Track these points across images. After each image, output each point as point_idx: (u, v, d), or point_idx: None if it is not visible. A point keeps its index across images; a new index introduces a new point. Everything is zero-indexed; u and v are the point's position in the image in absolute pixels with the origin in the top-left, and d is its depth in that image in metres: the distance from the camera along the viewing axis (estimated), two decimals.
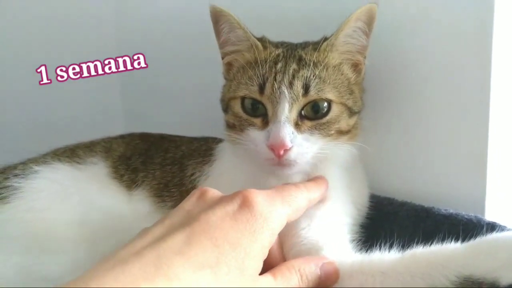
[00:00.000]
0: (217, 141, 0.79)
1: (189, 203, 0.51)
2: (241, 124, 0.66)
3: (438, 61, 0.71)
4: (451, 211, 0.68)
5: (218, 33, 0.70)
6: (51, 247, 0.66)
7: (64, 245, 0.67)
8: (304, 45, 0.69)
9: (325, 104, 0.63)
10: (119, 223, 0.68)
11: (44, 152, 0.80)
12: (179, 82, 1.12)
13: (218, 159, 0.74)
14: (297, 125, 0.62)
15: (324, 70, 0.65)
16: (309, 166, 0.65)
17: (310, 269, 0.53)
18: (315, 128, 0.63)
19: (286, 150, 0.59)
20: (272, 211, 0.50)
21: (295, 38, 0.73)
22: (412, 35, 0.74)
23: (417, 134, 0.76)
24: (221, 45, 0.71)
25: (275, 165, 0.61)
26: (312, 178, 0.64)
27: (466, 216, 0.65)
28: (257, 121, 0.64)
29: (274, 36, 0.72)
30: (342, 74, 0.67)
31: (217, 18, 0.69)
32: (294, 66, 0.64)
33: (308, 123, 0.63)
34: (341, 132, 0.66)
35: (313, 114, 0.63)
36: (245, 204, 0.48)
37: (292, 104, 0.62)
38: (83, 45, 1.18)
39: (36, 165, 0.73)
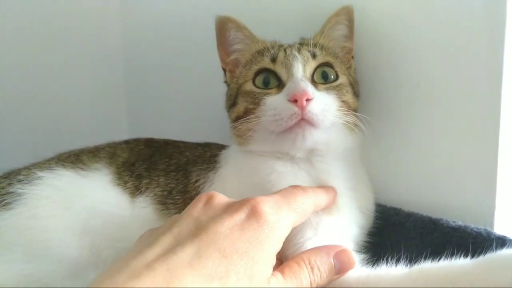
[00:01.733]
0: (221, 147, 0.79)
1: (196, 209, 0.51)
2: (255, 99, 0.67)
3: (448, 71, 0.70)
4: (459, 223, 0.66)
5: (223, 39, 0.74)
6: (53, 254, 0.66)
7: (66, 252, 0.67)
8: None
9: (333, 72, 0.68)
10: (122, 231, 0.68)
11: (48, 157, 0.80)
12: (183, 88, 1.12)
13: (223, 166, 0.74)
14: (313, 84, 0.65)
15: (322, 49, 0.70)
16: (328, 137, 0.65)
17: (322, 259, 0.53)
18: (329, 89, 0.66)
19: (308, 101, 0.60)
20: (278, 219, 0.50)
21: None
22: (420, 41, 0.72)
23: (425, 144, 0.74)
24: (228, 47, 0.75)
25: (299, 123, 0.61)
26: (321, 186, 0.64)
27: (475, 229, 0.64)
28: (272, 91, 0.66)
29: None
30: (338, 57, 0.72)
31: (224, 24, 0.73)
32: (297, 45, 0.71)
33: (322, 86, 0.66)
34: (349, 107, 0.67)
35: (324, 81, 0.67)
36: (253, 214, 0.48)
37: (304, 65, 0.66)
38: (89, 48, 1.18)
39: (40, 171, 0.73)
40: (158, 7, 1.13)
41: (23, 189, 0.70)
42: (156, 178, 0.76)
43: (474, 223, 0.66)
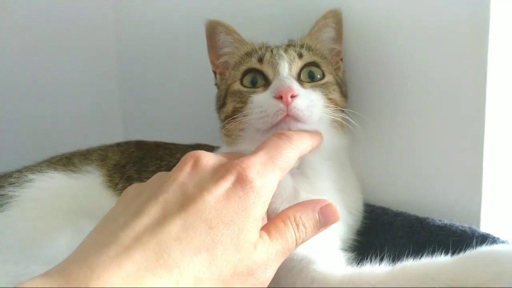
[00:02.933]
0: (211, 148, 0.78)
1: (182, 174, 0.49)
2: (243, 98, 0.68)
3: (434, 71, 0.71)
4: (445, 222, 0.67)
5: (213, 42, 0.76)
6: (44, 256, 0.66)
7: (57, 253, 0.67)
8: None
9: (320, 72, 0.69)
10: None
11: (41, 160, 0.81)
12: (177, 90, 1.12)
13: None
14: (299, 82, 0.66)
15: (310, 51, 0.72)
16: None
17: (307, 215, 0.52)
18: (315, 87, 0.67)
19: (293, 97, 0.60)
20: (264, 183, 0.49)
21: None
22: (406, 42, 0.73)
23: (413, 144, 0.75)
24: (218, 50, 0.76)
25: (284, 119, 0.61)
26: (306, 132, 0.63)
27: (460, 227, 0.65)
28: (259, 89, 0.67)
29: None
30: (325, 58, 0.74)
31: (214, 27, 0.75)
32: (285, 46, 0.72)
33: (308, 84, 0.67)
34: (336, 105, 0.68)
35: (310, 80, 0.68)
36: (238, 181, 0.48)
37: (290, 64, 0.67)
38: (82, 49, 1.19)
39: (31, 174, 0.74)
40: (151, 8, 1.14)
41: (14, 191, 0.70)
42: (146, 180, 0.76)
43: (461, 222, 0.66)
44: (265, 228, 0.50)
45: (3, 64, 1.09)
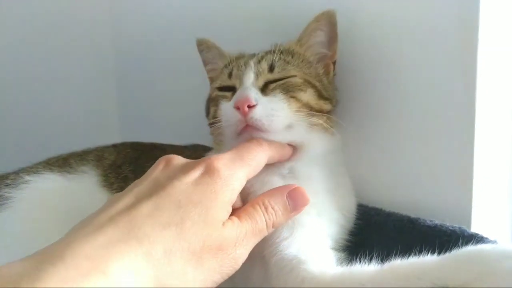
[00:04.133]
0: (207, 149, 0.80)
1: (155, 171, 0.54)
2: (217, 103, 0.69)
3: (424, 72, 0.72)
4: (436, 222, 0.68)
5: (202, 58, 0.80)
6: None
7: None
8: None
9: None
10: None
11: (37, 161, 0.82)
12: (175, 88, 1.13)
13: None
14: (262, 91, 0.66)
15: (290, 56, 0.71)
16: (286, 139, 0.65)
17: (276, 199, 0.56)
18: (276, 88, 0.66)
19: (250, 108, 0.61)
20: (232, 173, 0.53)
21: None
22: (397, 44, 0.74)
23: (404, 145, 0.76)
24: (206, 66, 0.80)
25: (244, 128, 0.62)
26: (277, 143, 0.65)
27: (450, 228, 0.65)
28: (228, 94, 0.69)
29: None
30: (309, 64, 0.73)
31: (200, 45, 0.79)
32: (262, 53, 0.72)
33: (271, 86, 0.66)
34: (311, 109, 0.67)
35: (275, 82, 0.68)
36: (207, 171, 0.52)
37: (257, 75, 0.67)
38: (80, 51, 1.20)
39: (27, 175, 0.75)
40: (149, 8, 1.15)
41: (10, 193, 0.71)
42: None
43: (452, 222, 0.67)
44: (236, 214, 0.53)
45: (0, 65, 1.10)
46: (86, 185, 0.76)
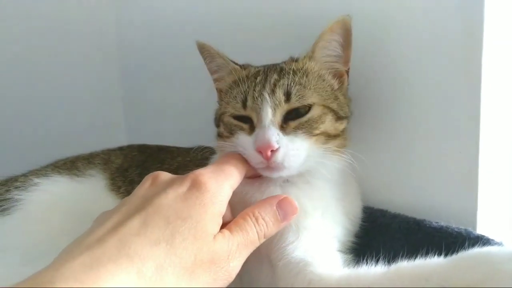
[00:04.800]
0: (213, 151, 0.80)
1: (142, 189, 0.54)
2: (232, 130, 0.67)
3: (429, 75, 0.72)
4: (442, 223, 0.68)
5: (208, 68, 0.77)
6: (50, 257, 0.67)
7: None
8: (287, 60, 0.72)
9: (306, 108, 0.65)
10: None
11: (45, 163, 0.83)
12: (181, 93, 1.14)
13: None
14: (282, 128, 0.63)
15: (304, 76, 0.67)
16: (303, 173, 0.65)
17: (265, 210, 0.56)
18: (298, 128, 0.63)
19: (273, 152, 0.60)
20: (218, 186, 0.54)
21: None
22: (402, 47, 0.74)
23: (410, 148, 0.76)
24: (209, 71, 0.76)
25: (265, 169, 0.62)
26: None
27: (456, 229, 0.66)
28: (246, 126, 0.66)
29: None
30: (324, 81, 0.69)
31: (201, 51, 0.75)
32: (275, 76, 0.67)
33: (292, 124, 0.64)
34: (328, 136, 0.66)
35: (295, 115, 0.65)
36: (194, 185, 0.52)
37: (275, 109, 0.64)
38: (85, 55, 1.21)
39: (36, 178, 0.76)
40: (154, 10, 1.15)
41: (20, 195, 0.72)
42: None
43: (457, 224, 0.68)
44: (227, 227, 0.53)
45: (8, 69, 1.11)
46: (94, 188, 0.77)
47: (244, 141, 0.64)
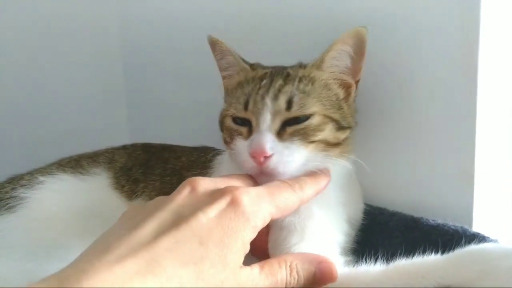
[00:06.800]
0: (216, 152, 0.80)
1: (180, 197, 0.53)
2: (231, 135, 0.67)
3: (425, 74, 0.73)
4: (439, 221, 0.70)
5: (218, 65, 0.75)
6: (55, 254, 0.69)
7: (67, 253, 0.70)
8: (295, 65, 0.71)
9: (306, 116, 0.64)
10: None
11: (50, 162, 0.84)
12: (184, 92, 1.14)
13: (215, 172, 0.77)
14: (278, 134, 0.63)
15: (310, 84, 0.66)
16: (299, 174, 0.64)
17: (304, 265, 0.54)
18: (294, 134, 0.63)
19: (266, 158, 0.60)
20: (256, 211, 0.52)
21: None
22: (399, 46, 0.75)
23: (407, 147, 0.77)
24: (222, 75, 0.76)
25: (259, 175, 0.62)
26: (313, 173, 0.63)
27: (452, 227, 0.67)
28: (244, 130, 0.66)
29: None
30: (329, 90, 0.68)
31: (212, 47, 0.74)
32: (280, 81, 0.67)
33: (288, 130, 0.63)
34: (328, 144, 0.65)
35: (294, 122, 0.64)
36: (231, 204, 0.51)
37: (274, 115, 0.63)
38: (89, 53, 1.21)
39: (41, 176, 0.77)
40: (157, 8, 1.15)
41: (26, 193, 0.74)
42: (152, 182, 0.79)
43: (454, 221, 0.69)
44: (260, 264, 0.52)
45: (12, 68, 1.12)
46: (98, 187, 0.78)
47: (240, 146, 0.65)
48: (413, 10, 0.73)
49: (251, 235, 0.51)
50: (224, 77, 0.76)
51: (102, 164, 0.82)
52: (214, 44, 0.73)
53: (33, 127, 1.14)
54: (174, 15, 1.12)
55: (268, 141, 0.61)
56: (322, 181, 0.63)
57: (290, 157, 0.62)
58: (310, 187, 0.61)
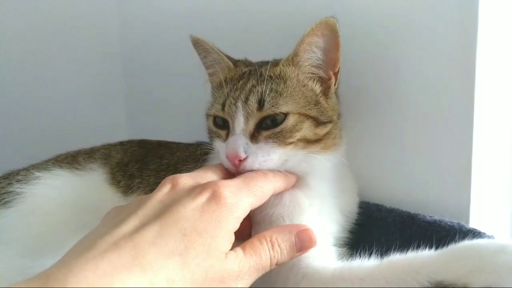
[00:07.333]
0: (208, 147, 0.79)
1: (161, 194, 0.54)
2: (212, 137, 0.70)
3: (424, 71, 0.73)
4: (435, 217, 0.69)
5: (200, 58, 0.76)
6: (50, 249, 0.69)
7: (63, 247, 0.70)
8: (270, 62, 0.70)
9: (282, 116, 0.64)
10: None
11: (47, 158, 0.84)
12: (182, 89, 1.14)
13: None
14: (253, 137, 0.63)
15: (282, 83, 0.66)
16: (297, 172, 0.66)
17: (284, 237, 0.55)
18: (270, 137, 0.63)
19: (240, 160, 0.61)
20: (237, 202, 0.53)
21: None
22: (398, 44, 0.75)
23: (405, 144, 0.77)
24: (207, 72, 0.76)
25: (236, 172, 0.63)
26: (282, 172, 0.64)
27: (449, 223, 0.67)
28: (223, 133, 0.67)
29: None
30: (304, 86, 0.67)
31: (195, 46, 0.74)
32: (253, 82, 0.66)
33: (264, 133, 0.63)
34: (308, 141, 0.65)
35: (270, 124, 0.64)
36: (213, 197, 0.52)
37: (247, 117, 0.64)
38: (88, 50, 1.22)
39: (37, 171, 0.77)
40: (157, 8, 1.16)
41: (22, 188, 0.74)
42: (147, 177, 0.79)
43: (451, 218, 0.69)
44: (241, 246, 0.53)
45: (12, 66, 1.12)
46: (94, 182, 0.78)
47: (219, 147, 0.67)
48: (411, 10, 0.73)
49: (235, 225, 0.53)
50: (210, 75, 0.76)
51: (98, 160, 0.82)
52: (196, 43, 0.74)
53: (32, 125, 1.15)
54: (172, 15, 1.13)
55: (241, 145, 0.62)
56: (291, 179, 0.65)
57: (266, 156, 0.63)
58: (281, 177, 0.63)
